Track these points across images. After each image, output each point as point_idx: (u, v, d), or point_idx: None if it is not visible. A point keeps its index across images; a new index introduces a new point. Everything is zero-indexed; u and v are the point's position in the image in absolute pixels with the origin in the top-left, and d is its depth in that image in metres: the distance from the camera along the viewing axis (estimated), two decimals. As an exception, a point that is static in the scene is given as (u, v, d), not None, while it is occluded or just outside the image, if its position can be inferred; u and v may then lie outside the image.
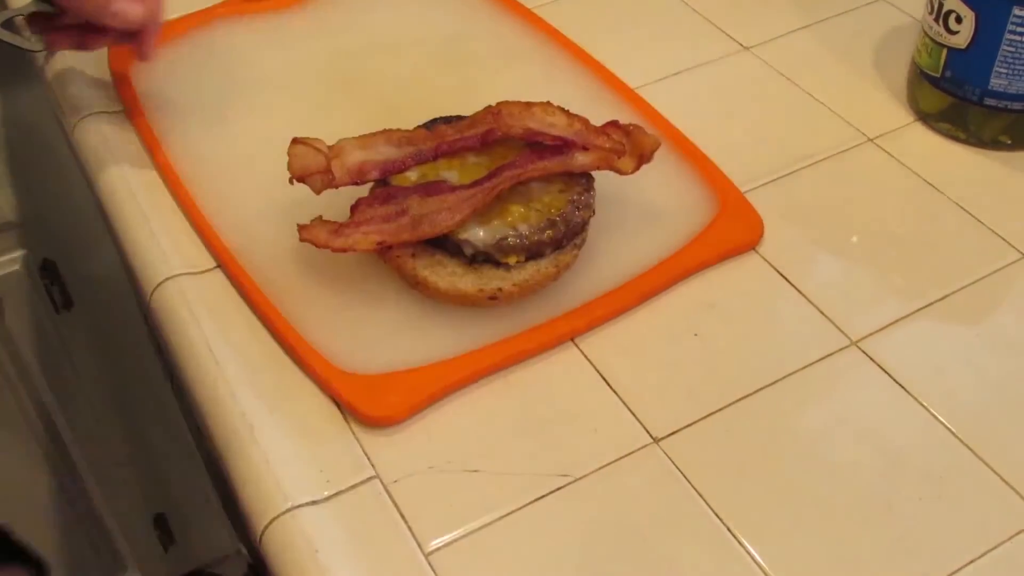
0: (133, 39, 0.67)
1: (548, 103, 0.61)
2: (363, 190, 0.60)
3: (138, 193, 0.66)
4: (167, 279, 0.61)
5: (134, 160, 0.68)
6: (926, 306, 0.59)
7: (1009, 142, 0.68)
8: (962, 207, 0.65)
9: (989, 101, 0.67)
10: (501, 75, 0.74)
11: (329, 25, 0.78)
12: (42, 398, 1.19)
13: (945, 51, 0.67)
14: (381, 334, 0.56)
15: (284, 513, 0.50)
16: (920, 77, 0.70)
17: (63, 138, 0.77)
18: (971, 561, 0.48)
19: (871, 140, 0.70)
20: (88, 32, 0.67)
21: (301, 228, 0.58)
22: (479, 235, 0.57)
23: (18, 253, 1.08)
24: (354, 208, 0.58)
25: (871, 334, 0.58)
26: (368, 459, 0.52)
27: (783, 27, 0.79)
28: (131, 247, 0.64)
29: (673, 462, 0.52)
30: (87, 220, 1.06)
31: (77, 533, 1.33)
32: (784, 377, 0.56)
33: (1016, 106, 0.67)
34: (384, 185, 0.59)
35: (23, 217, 1.05)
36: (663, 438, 0.53)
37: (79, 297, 1.13)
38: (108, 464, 1.30)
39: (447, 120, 0.62)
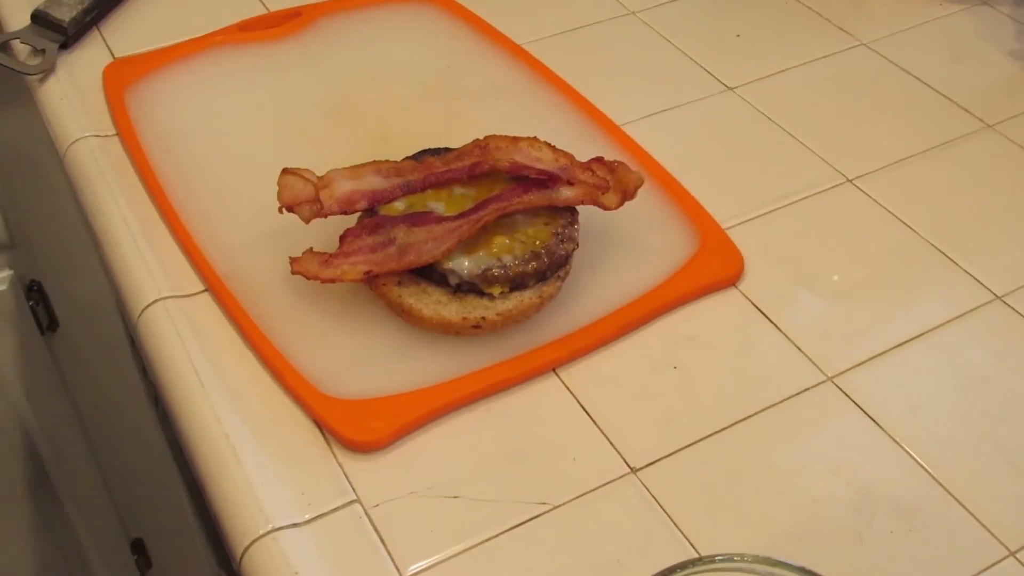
0: None
1: (535, 138, 0.62)
2: (351, 219, 0.61)
3: (128, 216, 0.67)
4: (155, 301, 0.62)
5: (125, 184, 0.69)
6: (900, 344, 0.61)
7: (984, 186, 0.70)
8: (936, 247, 0.66)
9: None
10: (489, 109, 0.75)
11: (322, 56, 0.79)
12: (24, 419, 1.19)
13: None
14: (365, 360, 0.57)
15: (265, 535, 0.51)
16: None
17: (54, 160, 0.78)
18: (940, 595, 0.50)
19: (850, 181, 0.71)
20: None
21: (293, 261, 0.59)
22: (464, 265, 0.58)
23: (5, 273, 1.08)
24: (343, 238, 0.59)
25: (846, 370, 0.59)
26: (349, 483, 0.53)
27: (766, 69, 0.81)
28: (120, 269, 0.65)
29: (650, 492, 0.53)
30: (74, 242, 1.07)
31: (54, 556, 1.32)
32: (761, 411, 0.57)
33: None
34: (372, 215, 0.60)
35: (11, 238, 1.05)
36: (641, 468, 0.54)
37: (65, 319, 1.14)
38: (87, 487, 1.30)
39: (435, 152, 0.63)
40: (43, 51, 0.79)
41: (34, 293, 1.11)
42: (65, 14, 0.80)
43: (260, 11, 0.84)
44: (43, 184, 1.00)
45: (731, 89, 0.79)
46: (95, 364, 1.16)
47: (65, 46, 0.80)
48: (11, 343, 1.13)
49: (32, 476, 1.24)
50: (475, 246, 0.59)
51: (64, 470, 1.26)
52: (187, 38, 0.80)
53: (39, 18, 0.80)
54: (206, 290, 0.62)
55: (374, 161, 0.62)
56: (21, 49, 0.80)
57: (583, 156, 0.63)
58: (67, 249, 1.08)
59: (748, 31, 0.85)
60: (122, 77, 0.76)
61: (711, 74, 0.80)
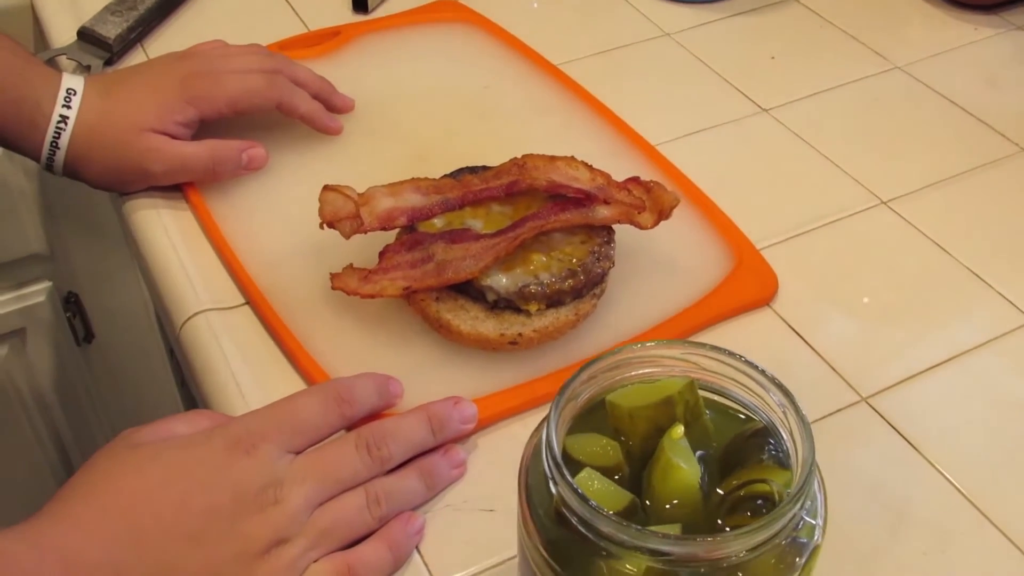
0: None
1: (572, 157, 0.63)
2: (390, 235, 0.62)
3: (171, 229, 0.68)
4: (196, 314, 0.63)
5: (168, 197, 0.70)
6: (935, 366, 0.61)
7: None
8: (970, 269, 0.67)
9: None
10: (526, 128, 0.76)
11: (360, 75, 0.80)
12: (59, 430, 1.20)
13: None
14: (403, 374, 0.58)
15: (304, 545, 0.51)
16: None
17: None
18: (974, 616, 0.50)
19: (884, 203, 0.71)
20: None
21: (333, 276, 0.60)
22: (502, 282, 0.59)
23: (43, 285, 1.10)
24: (382, 254, 0.60)
25: (881, 391, 0.59)
26: (387, 495, 0.54)
27: (800, 91, 0.81)
28: (162, 282, 0.66)
29: (684, 509, 0.53)
30: (112, 255, 1.08)
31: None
32: (795, 430, 0.57)
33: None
34: (411, 231, 0.61)
35: (50, 250, 1.07)
36: (675, 485, 0.54)
37: (101, 331, 1.15)
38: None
39: (473, 170, 0.64)
40: (88, 67, 0.81)
41: (71, 305, 1.12)
42: (110, 31, 0.82)
43: (300, 30, 0.86)
44: (82, 197, 1.02)
45: (765, 111, 0.79)
46: (130, 376, 1.18)
47: (110, 62, 0.82)
48: (48, 354, 1.15)
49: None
50: (512, 263, 0.59)
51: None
52: (229, 56, 0.82)
53: (85, 35, 0.82)
54: (247, 303, 0.63)
55: (413, 178, 0.63)
56: (67, 65, 0.82)
57: (619, 176, 0.63)
58: (104, 261, 1.10)
59: (782, 53, 0.86)
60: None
61: (746, 95, 0.81)
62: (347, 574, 0.48)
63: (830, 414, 0.58)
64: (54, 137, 0.67)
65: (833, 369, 0.60)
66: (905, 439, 0.57)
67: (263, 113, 0.72)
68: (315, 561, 0.48)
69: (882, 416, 0.58)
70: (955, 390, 0.60)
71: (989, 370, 0.61)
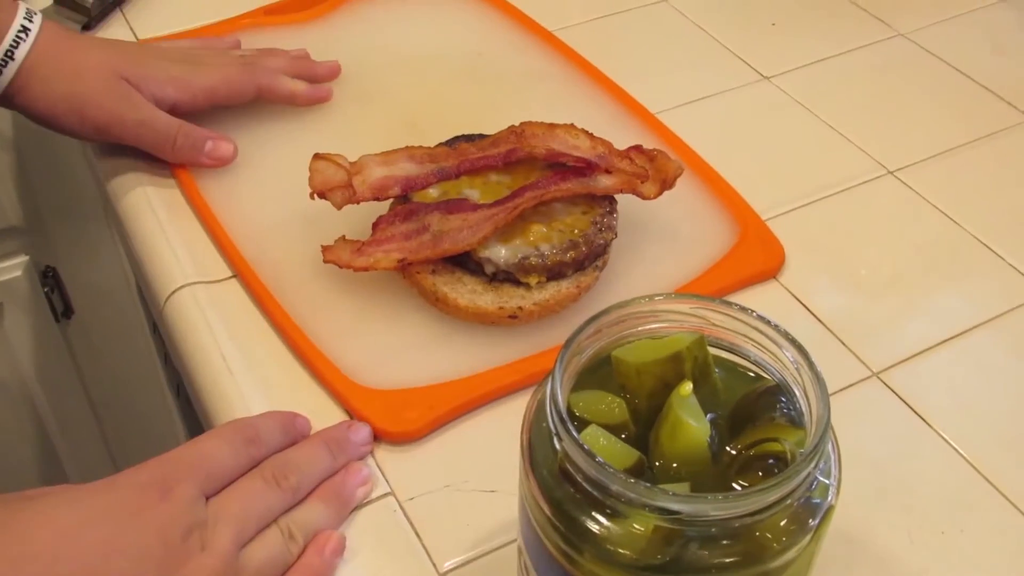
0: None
1: (572, 125, 0.61)
2: (383, 205, 0.60)
3: (155, 201, 0.65)
4: (181, 287, 0.60)
5: (152, 169, 0.67)
6: (947, 339, 0.59)
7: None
8: (982, 241, 0.65)
9: None
10: (522, 95, 0.74)
11: (350, 42, 0.77)
12: (38, 408, 1.18)
13: None
14: (399, 349, 0.56)
15: (298, 528, 0.49)
16: None
17: (71, 144, 0.77)
18: (993, 598, 0.48)
19: (891, 172, 0.69)
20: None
21: (325, 249, 0.57)
22: (501, 253, 0.56)
23: (20, 259, 1.07)
24: (376, 225, 0.58)
25: (892, 366, 0.57)
26: (383, 476, 0.52)
27: (802, 59, 0.79)
28: (146, 255, 0.63)
29: (693, 488, 0.51)
30: (90, 227, 1.06)
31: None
32: (804, 406, 0.55)
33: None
34: (405, 201, 0.59)
35: (27, 222, 1.04)
36: (682, 464, 0.53)
37: (80, 306, 1.12)
38: (101, 476, 1.28)
39: (469, 138, 0.62)
40: (66, 32, 0.78)
41: (49, 279, 1.10)
42: (89, -5, 0.79)
43: (286, -6, 0.83)
44: (60, 168, 0.99)
45: (767, 78, 0.77)
46: (111, 353, 1.15)
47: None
48: (25, 330, 1.12)
49: (45, 466, 1.23)
50: (511, 234, 0.57)
51: (78, 461, 1.25)
52: (212, 21, 0.79)
53: (62, -1, 0.79)
54: (234, 276, 0.61)
55: (407, 147, 0.61)
56: (43, 30, 0.78)
57: (618, 144, 0.61)
58: (84, 235, 1.07)
59: (783, 19, 0.84)
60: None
61: (746, 63, 0.79)
62: None
63: (841, 389, 0.56)
64: (11, 46, 0.61)
65: (843, 343, 0.58)
66: (918, 415, 0.55)
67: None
68: None
69: (894, 391, 0.56)
70: (968, 364, 0.58)
71: (1001, 343, 0.59)
